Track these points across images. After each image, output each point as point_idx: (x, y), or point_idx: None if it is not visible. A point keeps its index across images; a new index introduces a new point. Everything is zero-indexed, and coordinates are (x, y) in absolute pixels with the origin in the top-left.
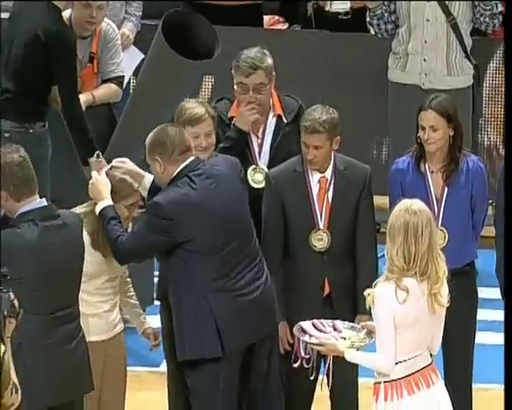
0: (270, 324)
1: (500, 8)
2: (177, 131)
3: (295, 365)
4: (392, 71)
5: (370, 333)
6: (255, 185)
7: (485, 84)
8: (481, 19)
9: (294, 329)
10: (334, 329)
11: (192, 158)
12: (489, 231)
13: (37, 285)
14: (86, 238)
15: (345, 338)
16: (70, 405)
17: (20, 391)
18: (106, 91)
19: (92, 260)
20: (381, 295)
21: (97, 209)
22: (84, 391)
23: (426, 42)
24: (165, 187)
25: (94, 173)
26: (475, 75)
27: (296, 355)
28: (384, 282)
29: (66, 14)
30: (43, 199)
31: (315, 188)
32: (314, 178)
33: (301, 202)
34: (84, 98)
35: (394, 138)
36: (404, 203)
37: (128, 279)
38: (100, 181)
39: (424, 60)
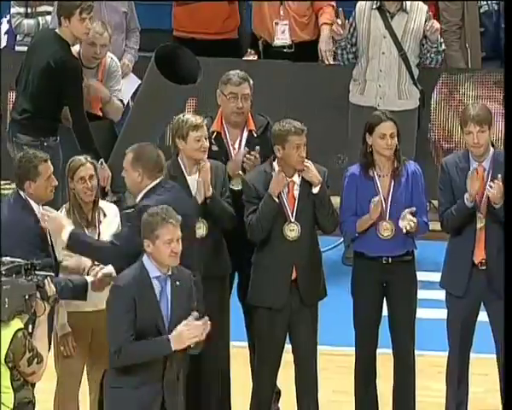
0: None
1: (443, 46)
2: (159, 152)
3: None
4: (353, 94)
5: None
6: (235, 188)
7: (432, 100)
8: (428, 54)
9: None
10: None
11: (162, 177)
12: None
13: None
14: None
15: None
16: None
17: (44, 361)
18: (117, 105)
19: None
20: None
21: (65, 236)
22: None
23: (381, 71)
24: (135, 196)
25: (43, 212)
26: (421, 99)
27: None
28: None
29: (76, 48)
30: None
31: (285, 188)
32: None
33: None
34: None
35: (353, 150)
36: None
37: None
38: (54, 215)
39: (379, 86)
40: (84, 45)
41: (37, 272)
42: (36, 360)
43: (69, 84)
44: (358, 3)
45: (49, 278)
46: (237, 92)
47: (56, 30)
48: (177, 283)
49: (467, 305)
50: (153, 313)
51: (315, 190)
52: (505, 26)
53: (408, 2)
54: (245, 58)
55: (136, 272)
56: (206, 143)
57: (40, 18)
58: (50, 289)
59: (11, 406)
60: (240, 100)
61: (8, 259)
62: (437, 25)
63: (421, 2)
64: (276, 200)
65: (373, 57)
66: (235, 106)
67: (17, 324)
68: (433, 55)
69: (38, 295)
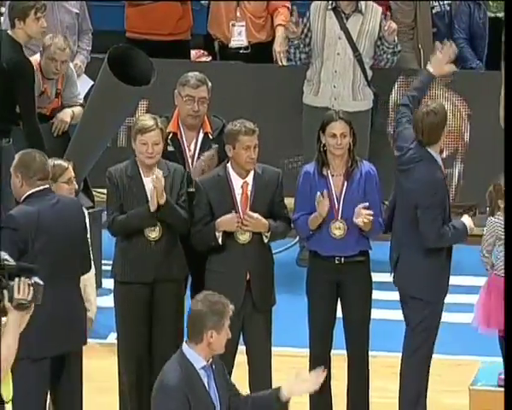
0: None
1: (399, 47)
2: (42, 160)
3: None
4: (307, 95)
5: None
6: (189, 189)
7: (390, 99)
8: (384, 55)
9: None
10: None
11: (46, 186)
12: None
13: None
14: None
15: None
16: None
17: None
18: (79, 114)
19: None
20: None
21: None
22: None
23: (336, 72)
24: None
25: None
26: (374, 100)
27: None
28: None
29: (36, 57)
30: None
31: (238, 189)
32: (238, 183)
33: (224, 200)
34: (67, 112)
35: (308, 149)
36: None
37: None
38: None
39: (334, 87)
40: (45, 60)
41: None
42: None
43: (21, 86)
44: (313, 4)
45: (21, 281)
46: (194, 95)
47: (9, 31)
48: (213, 366)
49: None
50: (205, 405)
51: (266, 239)
52: (505, 26)
53: (363, 4)
54: (199, 59)
55: (180, 367)
56: (152, 149)
57: None
58: (22, 292)
59: None
60: (196, 103)
61: None
62: (394, 25)
63: (375, 4)
64: (220, 241)
65: (328, 58)
66: (191, 108)
67: None
68: (389, 55)
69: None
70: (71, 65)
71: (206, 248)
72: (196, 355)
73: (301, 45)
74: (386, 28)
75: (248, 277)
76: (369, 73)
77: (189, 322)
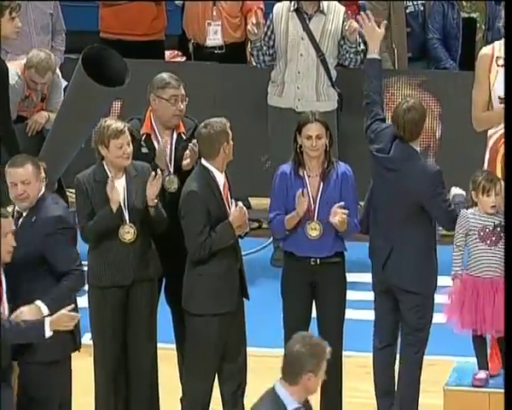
0: None
1: (362, 46)
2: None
3: None
4: (271, 97)
5: None
6: (169, 190)
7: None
8: (347, 55)
9: None
10: None
11: None
12: None
13: None
14: None
15: None
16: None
17: None
18: None
19: None
20: None
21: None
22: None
23: (299, 73)
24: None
25: None
26: (339, 101)
27: None
28: None
29: (21, 61)
30: None
31: (221, 185)
32: (221, 180)
33: (216, 199)
34: (43, 114)
35: (275, 151)
36: None
37: None
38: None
39: (298, 88)
40: (28, 79)
41: None
42: None
43: None
44: (275, 6)
45: None
46: (178, 94)
47: None
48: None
49: None
50: None
51: (242, 234)
52: (505, 25)
53: (325, 4)
54: (173, 60)
55: (274, 408)
56: (129, 149)
57: None
58: None
59: None
60: (180, 101)
61: None
62: (355, 25)
63: (338, 4)
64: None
65: (291, 59)
66: (176, 109)
67: None
68: (352, 55)
69: None
70: (58, 71)
71: (213, 252)
72: (289, 396)
73: (264, 48)
74: (346, 28)
75: (239, 266)
76: (334, 73)
77: (286, 362)
